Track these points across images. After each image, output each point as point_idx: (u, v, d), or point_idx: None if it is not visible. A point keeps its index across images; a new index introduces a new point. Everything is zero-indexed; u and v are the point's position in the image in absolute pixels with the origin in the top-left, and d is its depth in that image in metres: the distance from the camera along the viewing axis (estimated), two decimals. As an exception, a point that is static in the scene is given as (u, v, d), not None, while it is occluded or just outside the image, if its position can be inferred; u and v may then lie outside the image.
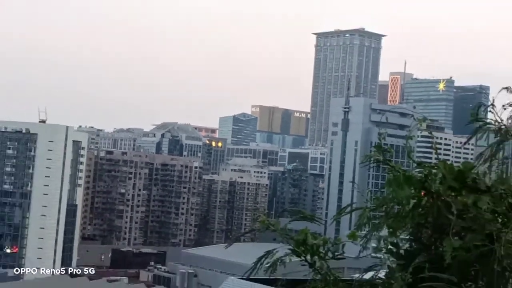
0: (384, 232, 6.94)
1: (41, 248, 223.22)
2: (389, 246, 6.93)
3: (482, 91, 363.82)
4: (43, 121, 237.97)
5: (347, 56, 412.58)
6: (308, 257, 7.08)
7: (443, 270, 6.10)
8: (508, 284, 6.11)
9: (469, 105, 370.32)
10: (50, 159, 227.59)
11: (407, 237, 6.88)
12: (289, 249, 7.18)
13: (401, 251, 6.86)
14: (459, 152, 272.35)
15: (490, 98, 7.63)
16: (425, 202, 6.57)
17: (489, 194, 6.72)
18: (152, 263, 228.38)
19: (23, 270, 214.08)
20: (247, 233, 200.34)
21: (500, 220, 6.31)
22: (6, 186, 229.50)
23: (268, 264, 7.27)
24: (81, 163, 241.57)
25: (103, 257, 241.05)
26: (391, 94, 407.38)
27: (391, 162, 7.22)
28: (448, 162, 7.01)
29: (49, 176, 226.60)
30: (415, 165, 7.21)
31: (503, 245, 5.99)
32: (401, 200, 6.76)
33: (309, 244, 6.99)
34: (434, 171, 6.83)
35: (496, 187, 6.89)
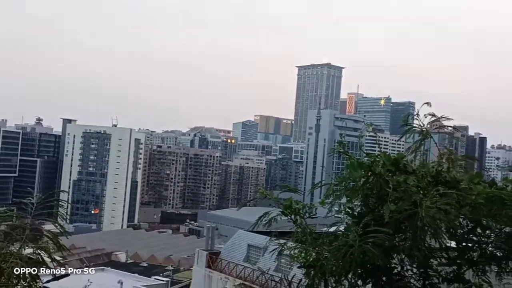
0: (343, 200, 6.94)
1: (114, 210, 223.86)
2: (347, 210, 6.93)
3: (410, 105, 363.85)
4: (115, 125, 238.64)
5: (318, 81, 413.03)
6: (292, 216, 7.07)
7: (383, 226, 6.10)
8: (426, 235, 6.09)
9: (401, 115, 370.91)
10: (119, 151, 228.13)
11: (359, 203, 6.88)
12: (280, 211, 7.18)
13: (355, 213, 6.85)
14: (394, 147, 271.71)
15: (416, 110, 7.74)
16: (371, 180, 6.57)
17: (414, 175, 6.71)
18: (188, 220, 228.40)
19: (102, 225, 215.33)
20: (251, 201, 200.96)
21: (421, 192, 6.31)
22: (90, 169, 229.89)
23: (266, 221, 7.27)
24: (140, 154, 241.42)
25: (155, 216, 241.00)
26: (348, 108, 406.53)
27: (348, 153, 7.25)
28: (387, 154, 7.03)
29: (119, 162, 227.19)
30: (364, 155, 7.22)
31: (423, 209, 5.97)
32: (355, 179, 6.77)
33: (293, 208, 7.00)
34: (377, 159, 6.84)
35: (419, 170, 6.89)
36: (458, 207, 6.32)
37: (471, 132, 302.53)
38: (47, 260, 5.35)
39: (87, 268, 55.36)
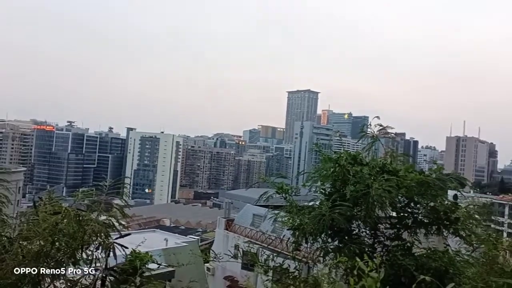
0: (318, 183, 6.92)
1: (161, 190, 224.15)
2: (321, 190, 6.91)
3: (365, 118, 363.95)
4: (162, 132, 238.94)
5: (301, 101, 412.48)
6: (283, 194, 7.06)
7: (346, 201, 6.08)
8: (375, 207, 6.08)
9: (359, 125, 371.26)
10: (165, 149, 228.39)
11: (329, 186, 6.86)
12: (275, 191, 7.16)
13: (326, 192, 6.83)
14: (354, 147, 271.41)
15: (369, 122, 7.70)
16: (338, 169, 6.56)
17: (367, 166, 6.69)
18: (212, 197, 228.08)
19: (153, 200, 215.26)
20: (255, 183, 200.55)
21: (372, 178, 6.28)
22: (145, 162, 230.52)
23: (265, 198, 7.26)
24: (179, 151, 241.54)
25: (190, 194, 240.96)
26: (322, 120, 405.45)
27: (321, 151, 7.22)
28: (348, 152, 7.01)
29: (164, 157, 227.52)
30: (333, 153, 7.20)
31: (373, 189, 5.95)
32: (326, 169, 6.75)
33: (283, 189, 6.97)
34: (342, 155, 6.82)
35: (371, 163, 6.86)
36: (397, 188, 6.30)
37: (407, 137, 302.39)
38: (116, 224, 5.35)
39: (143, 230, 55.34)
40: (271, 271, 7.98)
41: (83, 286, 4.21)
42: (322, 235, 6.43)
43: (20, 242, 4.16)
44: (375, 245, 6.77)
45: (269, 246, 40.08)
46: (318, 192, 6.99)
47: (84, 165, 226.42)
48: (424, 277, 3.56)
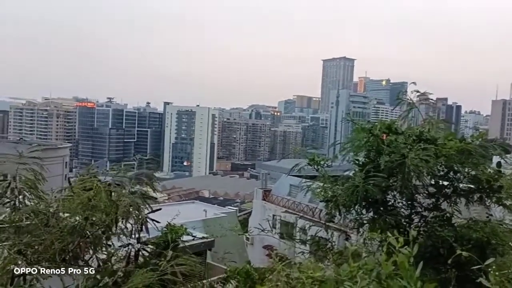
0: (352, 154, 6.74)
1: (199, 162, 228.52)
2: (354, 160, 6.73)
3: (404, 84, 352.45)
4: (198, 105, 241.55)
5: (337, 70, 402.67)
6: (315, 166, 6.93)
7: (380, 172, 5.89)
8: (412, 178, 5.87)
9: (397, 91, 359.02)
10: (201, 123, 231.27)
11: (363, 156, 6.66)
12: (307, 163, 7.04)
13: (360, 162, 6.64)
14: (392, 114, 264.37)
15: (409, 90, 7.43)
16: (371, 139, 6.34)
17: (403, 135, 6.43)
18: (249, 168, 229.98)
19: (192, 172, 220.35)
20: (288, 154, 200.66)
21: (408, 148, 6.04)
22: (183, 135, 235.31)
23: (296, 169, 7.16)
24: (215, 124, 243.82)
25: (227, 166, 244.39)
26: (359, 88, 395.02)
27: (354, 121, 6.99)
28: (383, 121, 6.75)
29: (201, 130, 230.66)
30: (367, 122, 6.96)
31: (409, 159, 5.72)
32: (360, 139, 6.54)
33: (315, 160, 6.83)
34: (376, 124, 6.58)
35: (406, 131, 6.59)
36: (436, 157, 6.03)
37: (450, 102, 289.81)
38: (150, 197, 5.42)
39: (183, 202, 56.99)
40: (308, 241, 7.98)
41: (118, 259, 4.33)
42: (356, 207, 6.29)
43: (57, 217, 4.30)
44: (412, 216, 6.57)
45: (306, 216, 40.35)
46: (352, 162, 6.81)
47: (125, 140, 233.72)
48: (461, 252, 3.39)
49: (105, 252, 4.55)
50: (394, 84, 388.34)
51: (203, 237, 28.27)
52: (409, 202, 6.58)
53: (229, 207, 51.12)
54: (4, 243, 4.09)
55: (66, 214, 4.22)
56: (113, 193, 4.23)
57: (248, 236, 47.94)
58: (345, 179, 6.57)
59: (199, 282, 4.77)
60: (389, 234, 3.11)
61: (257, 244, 48.28)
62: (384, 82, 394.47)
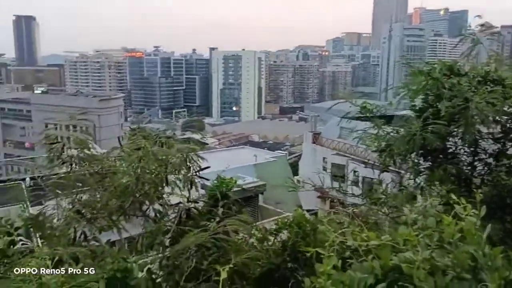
0: (407, 99, 6.29)
1: (247, 107, 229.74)
2: (411, 106, 6.29)
3: (464, 12, 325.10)
4: (243, 49, 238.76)
5: (390, 1, 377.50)
6: (367, 114, 6.56)
7: (439, 119, 5.46)
8: (475, 123, 5.41)
9: (457, 21, 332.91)
10: (248, 67, 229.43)
11: (421, 100, 6.18)
12: (358, 111, 6.66)
13: (417, 108, 6.20)
14: (451, 48, 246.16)
15: (469, 19, 6.63)
16: (430, 83, 5.83)
17: (466, 76, 5.86)
18: (298, 111, 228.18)
19: (240, 117, 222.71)
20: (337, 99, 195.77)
21: (472, 90, 5.51)
22: (230, 81, 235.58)
23: (347, 118, 6.82)
24: (262, 68, 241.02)
25: (275, 109, 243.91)
26: (414, 19, 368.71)
27: (410, 64, 6.43)
28: (443, 61, 6.15)
29: (248, 75, 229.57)
30: (424, 63, 6.39)
31: (473, 103, 5.24)
32: (417, 83, 6.05)
33: (367, 108, 6.45)
34: (435, 66, 6.03)
35: (470, 72, 6.00)
36: (503, 99, 5.48)
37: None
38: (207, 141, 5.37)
39: (233, 147, 58.19)
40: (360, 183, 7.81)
41: (169, 219, 4.43)
42: (412, 155, 5.95)
43: (110, 177, 4.42)
44: (475, 163, 6.14)
45: (357, 158, 39.93)
46: (408, 108, 6.37)
47: (174, 88, 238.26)
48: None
49: (160, 205, 4.67)
50: (453, 13, 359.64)
51: (254, 182, 28.90)
52: (471, 149, 6.13)
53: (279, 151, 51.59)
54: (63, 204, 4.29)
55: (119, 174, 4.32)
56: (160, 154, 4.24)
57: (299, 179, 48.70)
58: (400, 126, 6.18)
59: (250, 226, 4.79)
60: (452, 196, 2.85)
61: (308, 186, 48.98)
62: (442, 12, 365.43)
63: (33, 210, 6.78)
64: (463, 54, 6.64)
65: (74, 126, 6.55)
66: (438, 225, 2.90)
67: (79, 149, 4.58)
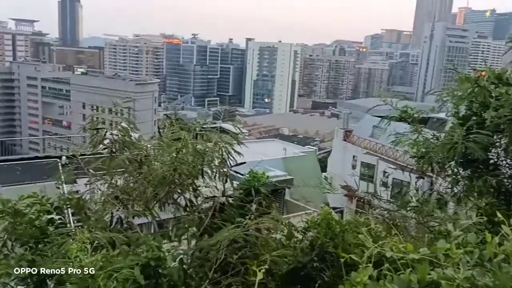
0: (450, 105, 6.07)
1: (280, 100, 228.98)
2: (454, 112, 6.08)
3: (511, 15, 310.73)
4: (280, 41, 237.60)
5: (432, 0, 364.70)
6: (407, 119, 6.34)
7: (483, 128, 5.26)
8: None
9: (504, 24, 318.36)
10: (283, 59, 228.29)
11: (464, 109, 5.96)
12: (398, 114, 6.42)
13: (461, 115, 5.99)
14: (495, 50, 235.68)
15: None
16: (476, 90, 5.61)
17: (516, 86, 5.60)
18: (330, 107, 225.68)
19: (272, 110, 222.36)
20: (371, 97, 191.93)
21: (521, 101, 5.26)
22: (264, 72, 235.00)
23: (386, 123, 6.61)
24: (297, 61, 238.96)
25: (307, 104, 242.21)
26: (458, 20, 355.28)
27: (457, 70, 6.18)
28: (492, 69, 5.88)
29: (283, 67, 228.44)
30: (471, 70, 6.15)
31: (522, 115, 5.02)
32: (463, 90, 5.83)
33: (408, 113, 6.26)
34: (483, 73, 5.79)
35: (520, 81, 5.73)
36: (554, 112, 5.20)
37: None
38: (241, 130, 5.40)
39: (263, 140, 58.33)
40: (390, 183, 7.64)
41: (202, 209, 4.49)
42: (452, 163, 5.77)
43: (148, 165, 4.52)
44: (517, 176, 5.89)
45: (388, 159, 39.16)
46: (450, 114, 6.15)
47: (209, 76, 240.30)
48: None
49: (194, 196, 4.74)
50: (500, 15, 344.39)
51: (283, 175, 28.86)
52: (515, 162, 5.88)
53: (308, 146, 51.25)
54: (102, 188, 4.43)
55: (157, 163, 4.41)
56: (198, 147, 4.29)
57: (327, 176, 48.12)
58: (441, 123, 6.00)
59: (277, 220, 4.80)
60: (498, 213, 2.75)
61: (336, 183, 48.53)
62: (488, 13, 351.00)
63: (68, 188, 7.03)
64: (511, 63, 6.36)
65: (114, 111, 6.69)
66: (479, 241, 2.82)
67: (120, 136, 4.69)
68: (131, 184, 4.45)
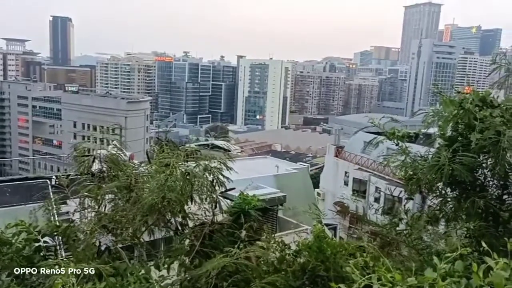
0: (436, 127, 6.15)
1: (272, 116, 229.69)
2: (440, 133, 6.15)
3: (498, 31, 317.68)
4: (271, 58, 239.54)
5: (420, 17, 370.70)
6: (395, 141, 6.40)
7: (470, 151, 5.34)
8: (505, 157, 5.25)
9: (489, 39, 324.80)
10: (274, 76, 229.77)
11: (450, 130, 6.04)
12: (385, 135, 6.49)
13: (447, 136, 6.06)
14: (482, 66, 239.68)
15: (502, 37, 6.45)
16: (460, 114, 5.70)
17: (499, 108, 5.71)
18: (322, 123, 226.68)
19: (264, 126, 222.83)
20: (362, 112, 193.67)
21: (505, 123, 5.36)
22: (256, 89, 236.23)
23: (374, 144, 6.71)
24: (288, 77, 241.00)
25: (299, 120, 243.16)
26: (444, 36, 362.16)
27: (441, 93, 6.26)
28: (476, 91, 5.98)
29: (274, 84, 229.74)
30: (456, 93, 6.23)
31: (505, 137, 5.10)
32: (448, 112, 5.92)
33: (395, 135, 6.32)
34: (467, 96, 5.89)
35: (504, 104, 5.84)
36: (538, 134, 5.29)
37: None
38: (232, 148, 5.42)
39: (255, 156, 58.16)
40: (382, 199, 7.67)
41: (191, 236, 4.46)
42: (439, 185, 5.82)
43: (137, 193, 4.50)
44: (504, 197, 5.95)
45: (379, 174, 39.30)
46: (436, 135, 6.23)
47: (200, 93, 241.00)
48: None
49: (182, 222, 4.72)
50: (486, 31, 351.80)
51: (275, 193, 28.76)
52: (501, 182, 5.95)
53: (301, 163, 51.28)
54: (91, 218, 4.39)
55: (146, 191, 4.39)
56: (187, 173, 4.28)
57: (319, 192, 48.01)
58: (429, 155, 6.04)
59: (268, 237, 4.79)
60: (483, 243, 2.77)
61: (328, 199, 48.35)
62: (474, 30, 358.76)
63: (58, 209, 6.93)
64: (496, 83, 6.49)
65: (104, 127, 6.66)
66: (467, 265, 2.84)
67: (109, 162, 4.67)
68: (120, 212, 4.42)
